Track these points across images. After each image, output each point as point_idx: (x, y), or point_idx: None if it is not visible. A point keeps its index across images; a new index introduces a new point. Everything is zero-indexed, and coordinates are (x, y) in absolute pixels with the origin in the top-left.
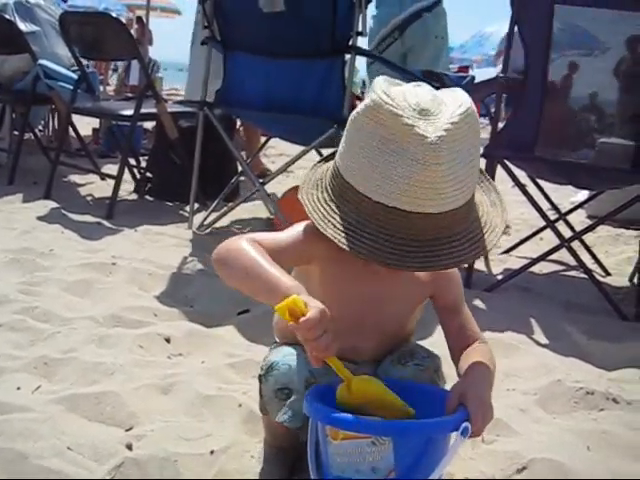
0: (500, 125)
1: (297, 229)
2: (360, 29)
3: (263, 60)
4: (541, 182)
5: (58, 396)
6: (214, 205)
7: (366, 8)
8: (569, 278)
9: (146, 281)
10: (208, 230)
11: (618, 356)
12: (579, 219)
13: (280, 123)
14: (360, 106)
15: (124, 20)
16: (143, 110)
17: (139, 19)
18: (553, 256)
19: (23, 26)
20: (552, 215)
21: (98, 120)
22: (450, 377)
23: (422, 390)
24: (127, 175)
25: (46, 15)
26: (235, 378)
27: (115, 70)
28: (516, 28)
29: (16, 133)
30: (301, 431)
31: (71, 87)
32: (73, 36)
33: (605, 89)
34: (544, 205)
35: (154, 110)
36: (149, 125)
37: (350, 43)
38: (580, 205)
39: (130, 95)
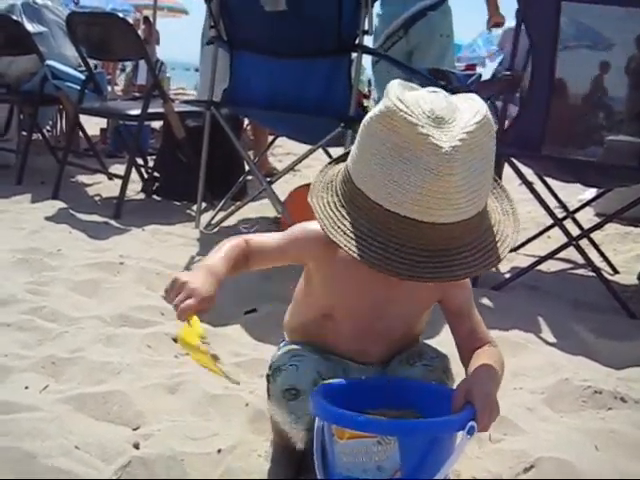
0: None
1: (293, 231)
2: (366, 28)
3: (269, 59)
4: (549, 180)
5: (65, 395)
6: (221, 204)
7: (372, 7)
8: (577, 276)
9: (153, 280)
10: (216, 229)
11: (626, 355)
12: (587, 217)
13: (286, 122)
14: (374, 111)
15: (131, 20)
16: (150, 110)
17: (146, 19)
18: (561, 254)
19: (30, 27)
20: (560, 213)
21: (106, 120)
22: (459, 377)
23: (429, 389)
24: (134, 175)
25: (53, 16)
26: (242, 377)
27: (123, 70)
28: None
29: (24, 133)
30: (308, 431)
31: (78, 87)
32: (80, 36)
33: (614, 86)
34: (552, 203)
35: (161, 110)
36: (156, 125)
37: (356, 42)
38: (588, 203)
39: (138, 95)
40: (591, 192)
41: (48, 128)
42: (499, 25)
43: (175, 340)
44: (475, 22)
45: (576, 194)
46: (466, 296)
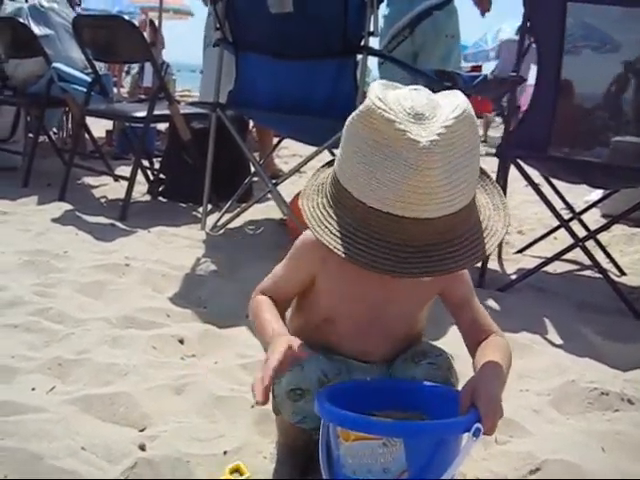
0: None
1: (291, 259)
2: (372, 29)
3: (274, 61)
4: (555, 181)
5: (72, 397)
6: (227, 206)
7: (378, 8)
8: (583, 278)
9: (159, 282)
10: (221, 231)
11: (633, 356)
12: (593, 218)
13: (292, 124)
14: (355, 111)
15: (137, 23)
16: (156, 112)
17: (152, 22)
18: (567, 256)
19: (37, 30)
20: (566, 214)
21: (112, 122)
22: (463, 375)
23: (434, 391)
24: (140, 177)
25: (60, 19)
26: (248, 379)
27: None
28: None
29: (31, 136)
30: (314, 432)
31: (85, 90)
32: (86, 39)
33: (620, 87)
34: (558, 204)
35: (167, 112)
36: (162, 127)
37: (362, 43)
38: (594, 204)
39: (144, 97)
40: (597, 193)
41: (54, 130)
42: (486, 10)
43: (181, 342)
44: (480, 23)
45: (582, 195)
46: (466, 288)
